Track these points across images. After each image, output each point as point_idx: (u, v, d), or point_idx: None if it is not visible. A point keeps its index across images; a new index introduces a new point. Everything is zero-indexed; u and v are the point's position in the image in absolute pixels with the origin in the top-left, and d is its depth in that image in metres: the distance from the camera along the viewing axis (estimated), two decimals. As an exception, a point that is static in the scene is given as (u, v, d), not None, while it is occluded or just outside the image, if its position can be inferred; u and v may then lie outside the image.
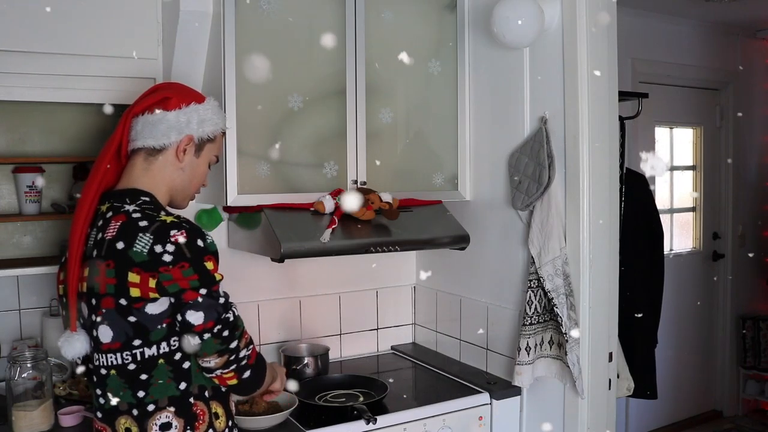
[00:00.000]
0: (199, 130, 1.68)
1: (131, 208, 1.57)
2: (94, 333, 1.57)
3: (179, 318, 1.51)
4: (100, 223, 1.59)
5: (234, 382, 1.60)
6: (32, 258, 2.34)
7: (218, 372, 1.57)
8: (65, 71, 2.11)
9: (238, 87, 2.10)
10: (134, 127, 1.67)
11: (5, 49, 2.03)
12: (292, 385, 2.05)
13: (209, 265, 1.53)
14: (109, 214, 1.58)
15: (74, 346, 1.62)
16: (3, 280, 2.29)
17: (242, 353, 1.59)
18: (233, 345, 1.56)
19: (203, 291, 1.51)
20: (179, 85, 1.81)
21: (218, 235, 2.50)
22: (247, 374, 1.61)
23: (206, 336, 1.52)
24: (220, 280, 1.56)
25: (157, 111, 1.65)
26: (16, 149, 2.33)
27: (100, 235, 1.57)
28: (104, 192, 1.64)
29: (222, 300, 1.55)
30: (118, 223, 1.54)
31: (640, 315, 3.15)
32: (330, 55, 2.30)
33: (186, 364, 1.56)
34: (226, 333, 1.54)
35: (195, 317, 1.50)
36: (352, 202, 2.19)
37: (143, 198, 1.62)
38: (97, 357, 1.59)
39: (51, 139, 2.37)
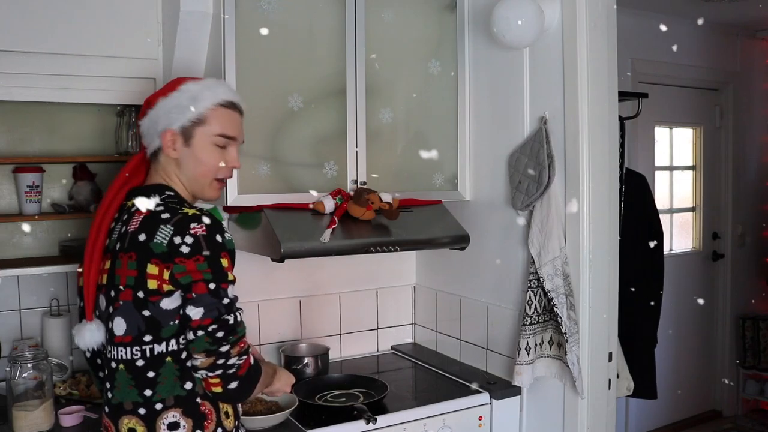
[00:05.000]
0: (177, 120, 1.64)
1: (156, 201, 1.60)
2: (110, 325, 1.59)
3: (182, 312, 1.52)
4: (125, 217, 1.62)
5: (219, 390, 1.54)
6: (32, 258, 2.34)
7: (203, 373, 1.53)
8: (65, 71, 2.11)
9: (238, 87, 2.10)
10: (142, 135, 1.74)
11: (5, 49, 2.03)
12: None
13: (224, 262, 1.53)
14: (134, 208, 1.61)
15: (85, 336, 1.64)
16: (3, 280, 2.28)
17: (232, 360, 1.53)
18: (224, 349, 1.51)
19: (212, 286, 1.51)
20: (172, 80, 1.77)
21: (218, 235, 2.50)
22: (233, 384, 1.54)
23: (199, 333, 1.50)
24: (232, 281, 1.55)
25: (142, 118, 1.71)
26: (16, 149, 2.33)
27: (123, 228, 1.59)
28: (131, 189, 1.68)
29: (226, 301, 1.53)
30: (141, 216, 1.57)
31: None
32: (330, 55, 2.30)
33: (191, 363, 1.56)
34: (220, 334, 1.51)
35: (194, 312, 1.50)
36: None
37: (168, 192, 1.64)
38: (109, 349, 1.60)
39: (51, 139, 2.37)
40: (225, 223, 2.46)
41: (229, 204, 2.15)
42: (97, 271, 1.63)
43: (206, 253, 1.51)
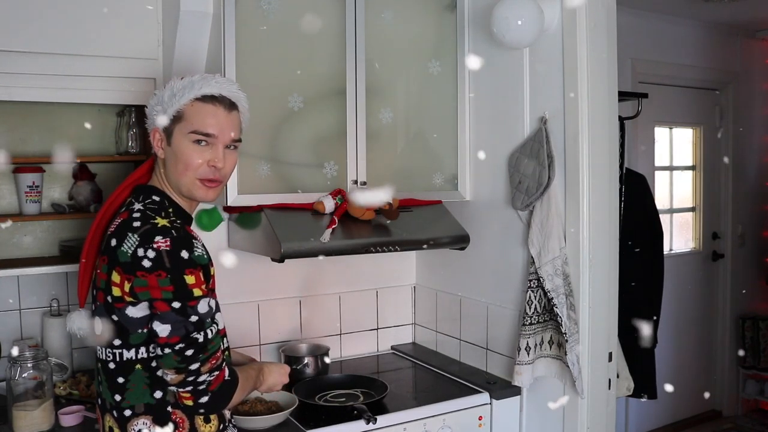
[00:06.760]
0: (160, 120, 1.61)
1: (137, 206, 1.58)
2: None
3: (150, 326, 1.49)
4: (115, 217, 1.61)
5: (190, 403, 1.52)
6: (32, 258, 2.34)
7: (174, 389, 1.52)
8: (65, 71, 2.11)
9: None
10: None
11: (5, 49, 2.03)
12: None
13: (190, 279, 1.47)
14: (122, 209, 1.61)
15: (73, 319, 1.72)
16: (3, 280, 2.29)
17: (202, 377, 1.50)
18: (193, 366, 1.48)
19: (176, 305, 1.46)
20: None
21: (218, 235, 2.50)
22: (204, 399, 1.52)
23: (167, 350, 1.47)
24: (201, 296, 1.49)
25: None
26: (16, 149, 2.33)
27: (108, 229, 1.59)
28: (136, 186, 1.67)
29: (195, 318, 1.48)
30: (120, 220, 1.56)
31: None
32: (330, 55, 2.30)
33: (161, 372, 1.53)
34: (189, 352, 1.47)
35: (161, 329, 1.46)
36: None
37: (153, 197, 1.62)
38: (95, 346, 1.62)
39: (51, 139, 2.37)
40: (225, 223, 2.49)
41: (229, 204, 2.15)
42: (90, 265, 1.67)
43: (169, 269, 1.45)
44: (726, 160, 4.51)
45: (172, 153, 1.61)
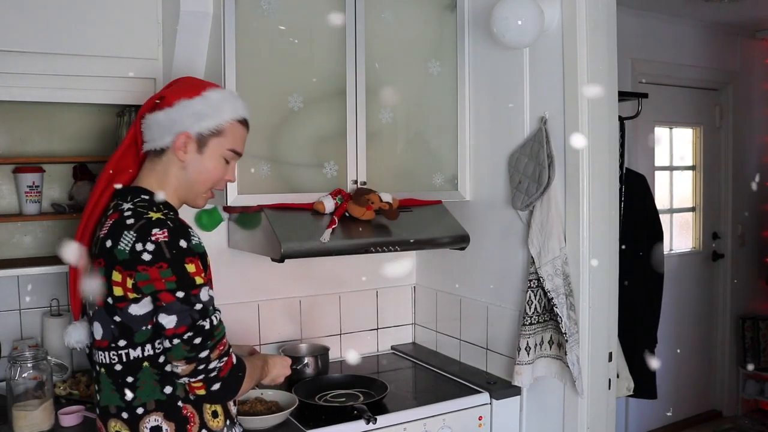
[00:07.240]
0: (195, 126, 1.62)
1: (126, 206, 1.58)
2: (91, 328, 1.60)
3: (154, 320, 1.49)
4: (103, 219, 1.61)
5: (202, 392, 1.53)
6: (32, 258, 2.34)
7: (185, 380, 1.52)
8: (65, 71, 2.11)
9: (238, 87, 2.10)
10: (143, 129, 1.67)
11: (5, 49, 2.03)
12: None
13: (190, 267, 1.49)
14: (110, 212, 1.60)
15: (70, 334, 1.68)
16: (3, 280, 2.29)
17: (212, 364, 1.52)
18: (203, 354, 1.49)
19: (180, 294, 1.47)
20: (186, 79, 1.76)
21: (218, 235, 2.50)
22: (216, 386, 1.53)
23: (176, 341, 1.48)
24: (202, 284, 1.51)
25: (153, 112, 1.65)
26: (16, 149, 2.33)
27: (99, 233, 1.58)
28: (115, 190, 1.66)
29: (199, 306, 1.49)
30: (111, 222, 1.55)
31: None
32: (330, 55, 2.30)
33: (170, 369, 1.53)
34: (197, 340, 1.48)
35: (167, 320, 1.47)
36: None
37: (143, 196, 1.61)
38: (94, 353, 1.61)
39: (51, 139, 2.37)
40: (225, 223, 2.49)
41: (229, 204, 2.14)
42: (81, 274, 1.65)
43: (169, 259, 1.46)
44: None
45: (199, 161, 1.65)
